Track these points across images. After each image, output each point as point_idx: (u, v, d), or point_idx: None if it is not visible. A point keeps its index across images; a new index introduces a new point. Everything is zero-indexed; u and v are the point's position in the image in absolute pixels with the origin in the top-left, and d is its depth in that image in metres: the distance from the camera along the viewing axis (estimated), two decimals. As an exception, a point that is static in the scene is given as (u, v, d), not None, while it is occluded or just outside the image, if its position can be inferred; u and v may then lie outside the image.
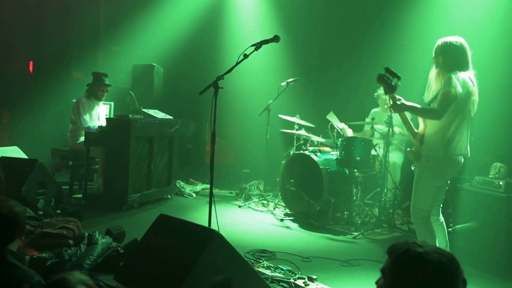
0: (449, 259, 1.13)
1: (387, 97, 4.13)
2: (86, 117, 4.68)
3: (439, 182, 2.66)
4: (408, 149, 2.89)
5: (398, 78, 2.62)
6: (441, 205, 2.81)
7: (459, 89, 2.53)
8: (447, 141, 2.58)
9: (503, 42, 3.86)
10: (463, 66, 2.61)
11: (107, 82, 4.80)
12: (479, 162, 3.44)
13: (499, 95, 3.65)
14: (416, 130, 2.77)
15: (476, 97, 2.64)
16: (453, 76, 2.55)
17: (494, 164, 3.26)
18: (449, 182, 2.81)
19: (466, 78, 2.58)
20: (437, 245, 2.74)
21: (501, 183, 3.09)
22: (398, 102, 2.65)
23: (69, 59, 6.22)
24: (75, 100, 4.80)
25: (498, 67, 3.77)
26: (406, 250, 1.13)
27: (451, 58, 2.61)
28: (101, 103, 4.92)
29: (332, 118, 4.49)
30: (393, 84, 2.60)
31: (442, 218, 2.80)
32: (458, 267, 1.13)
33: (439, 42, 2.67)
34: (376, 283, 1.21)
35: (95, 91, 4.75)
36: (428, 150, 2.65)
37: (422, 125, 2.74)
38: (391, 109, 2.72)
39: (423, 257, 1.11)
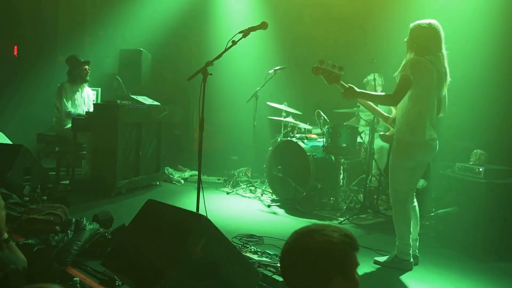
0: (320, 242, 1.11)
1: (374, 83, 4.21)
2: (68, 102, 4.60)
3: (409, 163, 2.69)
4: (381, 132, 2.94)
5: (339, 68, 2.62)
6: (415, 191, 2.88)
7: (410, 74, 2.53)
8: (413, 125, 2.63)
9: (482, 30, 3.92)
10: (429, 49, 2.59)
11: (83, 60, 4.71)
12: (460, 149, 3.54)
13: (480, 84, 3.74)
14: (386, 114, 2.83)
15: (446, 78, 2.64)
16: (410, 61, 2.58)
17: (475, 151, 3.35)
18: (425, 165, 2.83)
19: (422, 61, 2.56)
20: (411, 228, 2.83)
21: (480, 169, 3.19)
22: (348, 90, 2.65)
23: (55, 43, 6.08)
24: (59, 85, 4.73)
25: (478, 56, 3.84)
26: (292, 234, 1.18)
27: (416, 41, 2.62)
28: (86, 88, 4.82)
29: (319, 117, 4.49)
30: (336, 72, 2.61)
31: (415, 203, 2.87)
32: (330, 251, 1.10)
33: (411, 24, 2.69)
34: None
35: (77, 73, 4.67)
36: (397, 133, 2.71)
37: (394, 109, 2.79)
38: (343, 96, 2.71)
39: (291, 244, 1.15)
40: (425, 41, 2.61)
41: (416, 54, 2.62)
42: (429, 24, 2.62)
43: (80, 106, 4.75)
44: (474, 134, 3.67)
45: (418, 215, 2.88)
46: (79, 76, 4.68)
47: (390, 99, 2.62)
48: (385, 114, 2.86)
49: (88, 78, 4.78)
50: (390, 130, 2.83)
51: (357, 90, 2.67)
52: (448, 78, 2.67)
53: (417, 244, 2.88)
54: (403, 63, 2.62)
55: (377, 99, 2.78)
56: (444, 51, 2.64)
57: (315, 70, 2.61)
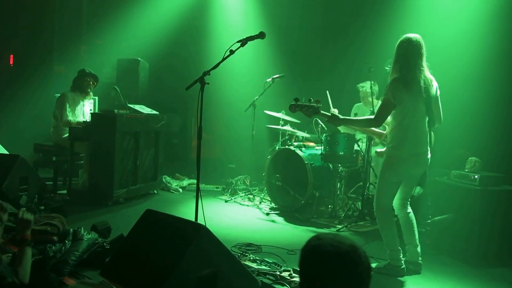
0: (343, 251, 1.12)
1: (369, 91, 4.26)
2: (69, 112, 4.60)
3: (392, 177, 2.77)
4: (377, 150, 3.03)
5: (317, 101, 2.70)
6: (409, 200, 2.91)
7: (392, 99, 2.62)
8: (398, 140, 2.71)
9: (476, 38, 3.99)
10: (409, 65, 2.63)
11: (88, 71, 4.71)
12: (456, 157, 3.58)
13: (474, 92, 3.78)
14: (379, 131, 2.93)
15: (431, 89, 2.67)
16: (390, 84, 2.66)
17: (470, 158, 3.39)
18: (416, 179, 2.85)
19: (400, 82, 2.61)
20: (405, 237, 2.86)
21: (476, 176, 3.23)
22: (331, 118, 2.74)
23: (51, 52, 6.09)
24: (58, 95, 4.72)
25: (472, 64, 3.90)
26: (305, 245, 1.16)
27: (396, 59, 2.70)
28: (87, 101, 4.83)
29: (328, 97, 4.53)
30: (315, 106, 2.70)
31: (410, 210, 2.90)
32: (352, 260, 1.12)
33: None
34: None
35: (80, 82, 4.67)
36: (387, 147, 2.80)
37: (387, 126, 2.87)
38: (329, 122, 2.80)
39: (316, 249, 1.13)
40: (403, 59, 2.67)
41: (397, 73, 2.68)
42: (408, 39, 2.67)
43: (79, 117, 4.74)
44: (470, 142, 3.71)
45: (415, 222, 2.90)
46: (79, 86, 4.68)
47: (373, 123, 2.74)
48: (378, 131, 2.93)
49: (89, 91, 4.75)
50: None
51: (341, 117, 2.79)
52: (434, 88, 2.72)
53: (419, 250, 2.89)
54: (386, 85, 2.71)
55: (360, 124, 2.91)
56: (424, 64, 2.69)
57: (292, 108, 2.71)
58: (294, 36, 6.05)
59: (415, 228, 2.89)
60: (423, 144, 2.71)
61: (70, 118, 4.60)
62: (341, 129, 4.60)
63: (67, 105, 4.58)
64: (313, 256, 1.14)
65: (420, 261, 2.88)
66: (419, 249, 2.88)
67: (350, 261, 1.11)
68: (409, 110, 2.66)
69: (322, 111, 2.74)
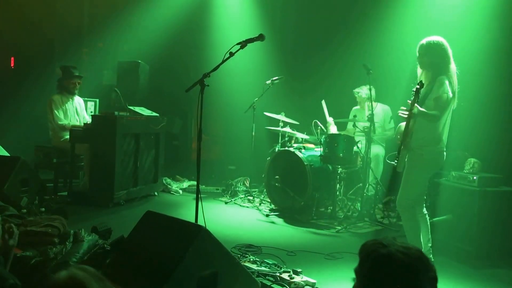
0: (414, 257, 1.09)
1: (364, 97, 4.30)
2: (60, 113, 4.57)
3: (429, 173, 2.87)
4: (395, 161, 2.89)
5: (420, 86, 2.67)
6: (425, 197, 2.95)
7: (450, 94, 2.67)
8: (438, 137, 2.75)
9: (475, 39, 4.00)
10: (448, 66, 2.71)
11: (76, 74, 4.70)
12: (455, 158, 3.59)
13: (473, 93, 3.79)
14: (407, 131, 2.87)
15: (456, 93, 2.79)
16: (446, 81, 2.68)
17: (469, 159, 3.40)
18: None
19: (454, 79, 2.72)
20: (421, 237, 2.87)
21: (475, 177, 3.24)
22: (415, 109, 2.68)
23: (52, 54, 6.11)
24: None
25: (472, 64, 3.91)
26: (372, 252, 1.12)
27: (436, 59, 2.70)
28: (76, 97, 4.79)
29: (323, 107, 4.56)
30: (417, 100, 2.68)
31: (425, 211, 2.93)
32: (424, 265, 1.10)
33: (423, 41, 2.75)
34: (354, 286, 1.19)
35: (65, 84, 4.64)
36: (422, 144, 2.77)
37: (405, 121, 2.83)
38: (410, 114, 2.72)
39: (386, 257, 1.10)
40: (443, 58, 2.71)
41: (438, 73, 2.71)
42: (442, 41, 2.72)
43: (73, 116, 4.71)
44: (469, 143, 3.72)
45: (429, 225, 2.93)
46: (66, 88, 4.63)
47: (436, 118, 2.72)
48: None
49: (76, 92, 4.72)
50: (405, 140, 2.79)
51: (420, 109, 2.70)
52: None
53: (431, 250, 2.91)
54: (438, 82, 2.67)
55: (428, 118, 2.79)
56: (454, 66, 2.75)
57: (417, 93, 2.64)
58: (294, 38, 6.08)
59: (429, 228, 2.92)
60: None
61: (63, 121, 4.58)
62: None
63: (55, 110, 4.55)
64: (379, 264, 1.10)
65: (432, 259, 2.89)
66: (431, 248, 2.90)
67: (414, 271, 1.09)
68: (449, 109, 2.74)
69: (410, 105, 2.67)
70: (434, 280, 1.11)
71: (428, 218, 2.93)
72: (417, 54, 2.78)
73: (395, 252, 1.09)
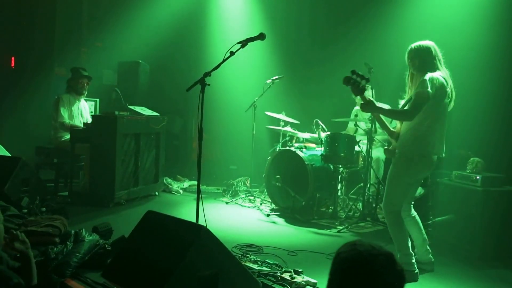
0: (377, 261, 1.11)
1: (372, 93, 4.25)
2: (64, 112, 4.60)
3: (410, 178, 2.74)
4: (385, 147, 2.97)
5: (367, 80, 2.64)
6: (413, 202, 2.90)
7: (430, 90, 2.58)
8: (420, 140, 2.66)
9: (477, 39, 3.99)
10: (435, 67, 2.68)
11: (85, 74, 4.72)
12: (457, 157, 3.58)
13: (476, 92, 3.78)
14: (392, 129, 2.85)
15: (453, 93, 2.73)
16: (426, 77, 2.62)
17: (472, 159, 3.38)
18: (422, 180, 2.88)
19: (440, 78, 2.64)
20: (413, 239, 2.86)
21: (478, 177, 3.22)
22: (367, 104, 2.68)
23: (52, 55, 6.11)
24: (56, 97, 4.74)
25: (473, 64, 3.90)
26: (337, 253, 1.17)
27: (424, 60, 2.68)
28: (83, 100, 4.84)
29: (317, 126, 4.54)
30: (361, 86, 2.63)
31: (414, 213, 2.89)
32: (386, 270, 1.11)
33: (412, 46, 2.75)
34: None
35: (73, 85, 4.68)
36: (401, 147, 2.73)
37: (399, 123, 2.82)
38: (361, 108, 2.76)
39: (348, 259, 1.13)
40: (431, 59, 2.68)
41: (423, 73, 2.66)
42: (431, 45, 2.71)
43: (77, 118, 4.74)
44: (471, 142, 3.71)
45: (420, 222, 2.89)
46: (74, 88, 4.68)
47: (407, 115, 2.66)
48: (391, 128, 2.87)
49: (84, 92, 4.76)
50: (392, 145, 2.83)
51: (376, 104, 2.72)
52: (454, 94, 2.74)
53: (429, 248, 2.88)
54: (420, 80, 2.63)
55: (394, 115, 2.82)
56: (445, 69, 2.72)
57: (346, 80, 2.63)
58: (294, 37, 6.07)
59: (422, 228, 2.89)
60: (443, 146, 2.73)
61: (66, 120, 4.59)
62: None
63: (62, 108, 4.58)
64: (342, 263, 1.14)
65: (432, 258, 2.87)
66: (428, 246, 2.88)
67: (384, 270, 1.11)
68: (438, 109, 2.64)
69: (364, 95, 2.66)
70: (400, 280, 1.12)
71: (418, 219, 2.88)
72: (407, 58, 2.75)
73: (363, 251, 1.13)
